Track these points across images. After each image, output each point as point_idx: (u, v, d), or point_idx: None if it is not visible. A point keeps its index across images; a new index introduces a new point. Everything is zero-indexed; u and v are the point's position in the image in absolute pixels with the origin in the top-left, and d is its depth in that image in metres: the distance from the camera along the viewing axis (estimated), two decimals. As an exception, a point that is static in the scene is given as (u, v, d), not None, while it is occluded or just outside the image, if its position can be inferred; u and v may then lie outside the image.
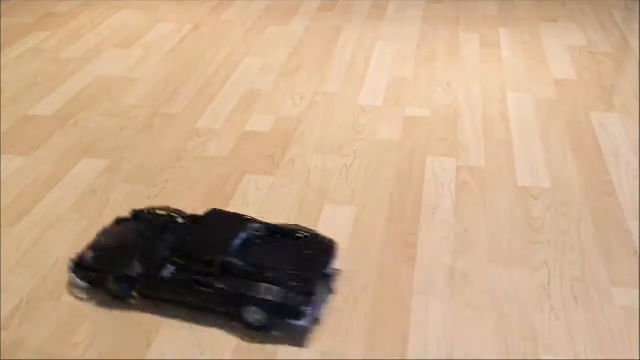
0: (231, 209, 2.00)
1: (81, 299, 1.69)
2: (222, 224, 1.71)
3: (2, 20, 3.41)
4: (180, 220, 1.80)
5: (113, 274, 1.64)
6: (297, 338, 1.57)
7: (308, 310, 1.54)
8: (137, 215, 1.84)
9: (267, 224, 1.74)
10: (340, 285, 1.72)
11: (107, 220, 1.97)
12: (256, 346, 1.56)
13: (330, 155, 2.25)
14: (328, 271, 1.67)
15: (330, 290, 1.68)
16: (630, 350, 1.53)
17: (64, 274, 1.77)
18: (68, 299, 1.70)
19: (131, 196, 2.07)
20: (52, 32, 3.25)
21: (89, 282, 1.69)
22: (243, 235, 1.67)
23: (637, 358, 1.51)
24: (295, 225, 1.77)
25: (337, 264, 1.73)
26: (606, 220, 1.94)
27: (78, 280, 1.69)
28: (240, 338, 1.57)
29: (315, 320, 1.59)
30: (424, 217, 1.96)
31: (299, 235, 1.73)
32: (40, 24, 3.35)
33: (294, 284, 1.56)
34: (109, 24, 3.34)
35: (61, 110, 2.57)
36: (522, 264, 1.78)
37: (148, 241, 1.71)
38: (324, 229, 1.91)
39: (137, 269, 1.64)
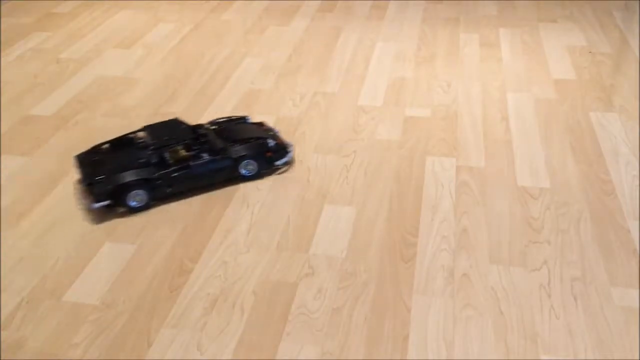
0: (231, 209, 2.01)
1: (123, 214, 1.97)
2: (174, 125, 2.14)
3: (2, 20, 3.41)
4: (131, 135, 2.16)
5: (133, 183, 1.94)
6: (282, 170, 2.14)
7: (287, 151, 2.16)
8: (93, 149, 2.13)
9: (212, 121, 2.28)
10: (341, 285, 1.72)
11: (107, 220, 1.97)
12: (256, 346, 1.56)
13: (330, 155, 2.25)
14: (273, 132, 2.26)
15: (287, 144, 2.20)
16: (630, 350, 1.53)
17: (64, 274, 1.77)
18: (68, 298, 1.70)
19: (131, 196, 2.07)
20: (52, 32, 3.26)
21: (109, 199, 1.95)
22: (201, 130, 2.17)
23: (637, 358, 1.52)
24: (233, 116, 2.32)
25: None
26: (606, 220, 1.94)
27: (98, 204, 1.93)
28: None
29: (285, 163, 2.18)
30: (424, 217, 1.96)
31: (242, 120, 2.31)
32: (40, 24, 3.35)
33: (267, 139, 2.13)
34: (109, 24, 3.34)
35: (61, 110, 2.57)
36: (522, 263, 1.78)
37: (128, 155, 2.05)
38: (324, 229, 1.92)
39: (150, 173, 1.98)
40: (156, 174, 1.99)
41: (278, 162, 2.16)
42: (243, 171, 2.10)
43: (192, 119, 2.48)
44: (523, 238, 1.87)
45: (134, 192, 1.96)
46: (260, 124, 2.30)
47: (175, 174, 2.01)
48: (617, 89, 2.65)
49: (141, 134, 2.15)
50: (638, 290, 1.69)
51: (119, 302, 1.69)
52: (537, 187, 2.08)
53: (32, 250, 1.87)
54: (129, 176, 1.96)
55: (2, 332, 1.61)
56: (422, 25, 3.27)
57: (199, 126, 2.20)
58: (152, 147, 2.02)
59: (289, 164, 2.20)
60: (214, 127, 2.23)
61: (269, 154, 2.13)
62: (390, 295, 1.69)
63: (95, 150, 2.12)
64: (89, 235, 1.92)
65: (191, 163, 2.03)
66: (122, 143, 2.14)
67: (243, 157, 2.08)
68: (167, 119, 2.46)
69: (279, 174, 2.15)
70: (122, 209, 1.99)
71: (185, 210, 2.01)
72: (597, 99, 2.58)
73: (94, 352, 1.55)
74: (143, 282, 1.75)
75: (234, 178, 2.10)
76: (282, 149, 2.16)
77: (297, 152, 2.28)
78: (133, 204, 1.98)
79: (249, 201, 2.04)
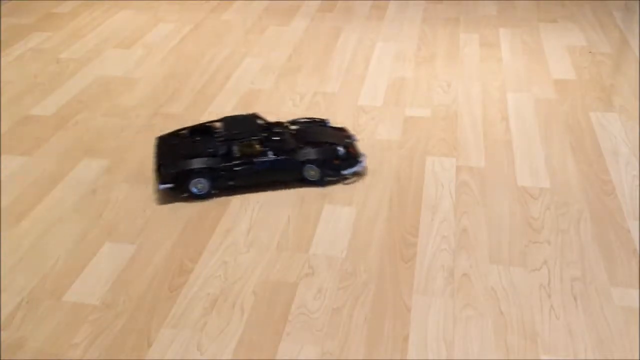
0: (231, 209, 2.01)
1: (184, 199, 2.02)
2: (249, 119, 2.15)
3: (2, 20, 3.41)
4: (210, 124, 2.18)
5: (196, 170, 1.99)
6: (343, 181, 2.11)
7: (358, 161, 2.11)
8: (173, 133, 2.19)
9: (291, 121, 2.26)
10: (341, 285, 1.72)
11: (107, 220, 1.97)
12: (256, 346, 1.56)
13: (330, 155, 2.25)
14: (351, 140, 2.19)
15: (360, 154, 2.14)
16: (630, 350, 1.53)
17: (64, 274, 1.78)
18: (68, 298, 1.70)
19: (131, 196, 2.07)
20: (52, 32, 3.26)
21: (173, 183, 2.01)
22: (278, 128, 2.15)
23: (637, 358, 1.52)
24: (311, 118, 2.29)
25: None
26: (606, 220, 1.94)
27: (163, 186, 2.01)
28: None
29: (354, 173, 2.12)
30: (424, 217, 1.96)
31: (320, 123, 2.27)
32: (40, 24, 3.35)
33: (337, 146, 2.10)
34: (109, 24, 3.34)
35: (61, 110, 2.57)
36: (522, 263, 1.78)
37: (202, 143, 2.08)
38: (324, 229, 1.92)
39: (213, 163, 2.01)
40: (220, 165, 2.01)
41: (345, 171, 2.10)
42: (307, 175, 2.08)
43: (192, 119, 2.48)
44: (523, 238, 1.87)
45: (197, 179, 2.00)
46: (340, 130, 2.24)
47: (238, 168, 2.02)
48: (617, 89, 2.65)
49: (219, 124, 2.15)
50: (638, 290, 1.69)
51: (119, 302, 1.69)
52: (537, 187, 2.08)
53: (32, 250, 1.87)
54: (194, 164, 2.01)
55: (2, 332, 1.61)
56: (422, 25, 3.27)
57: (277, 124, 2.19)
58: (221, 139, 2.04)
59: (358, 174, 2.14)
60: (293, 126, 2.21)
61: (336, 161, 2.08)
62: (390, 295, 1.69)
63: (175, 134, 2.18)
64: (89, 235, 1.92)
65: (255, 159, 2.03)
66: (201, 131, 2.17)
67: (308, 161, 2.06)
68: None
69: (345, 183, 2.10)
70: (185, 194, 2.02)
71: (185, 210, 2.01)
72: (597, 99, 2.58)
73: (94, 352, 1.55)
74: (143, 282, 1.75)
75: (299, 180, 2.08)
76: (352, 158, 2.11)
77: (297, 152, 2.28)
78: (195, 190, 2.02)
79: (249, 201, 2.04)
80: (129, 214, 2.00)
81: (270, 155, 2.05)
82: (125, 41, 3.15)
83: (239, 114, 2.19)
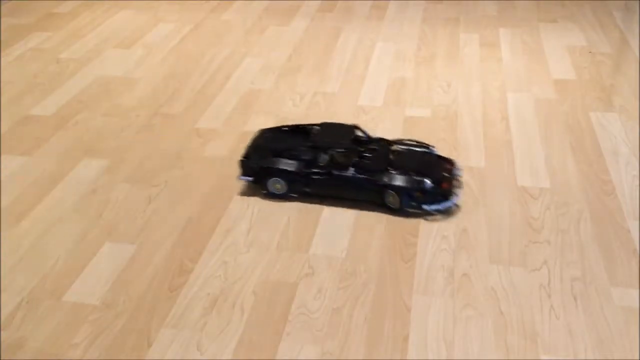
0: (231, 209, 2.01)
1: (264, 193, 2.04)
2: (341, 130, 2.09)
3: (2, 20, 3.41)
4: (313, 129, 2.13)
5: (274, 170, 1.99)
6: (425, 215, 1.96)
7: (446, 199, 1.95)
8: (275, 128, 2.18)
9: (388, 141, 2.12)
10: (341, 285, 1.72)
11: (107, 220, 1.97)
12: (256, 346, 1.56)
13: (330, 155, 2.25)
14: (451, 174, 2.01)
15: (453, 192, 1.98)
16: (630, 350, 1.53)
17: (64, 274, 1.78)
18: (68, 298, 1.70)
19: (131, 196, 2.08)
20: (52, 32, 3.26)
21: (253, 177, 2.03)
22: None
23: (637, 358, 1.52)
24: (414, 140, 2.13)
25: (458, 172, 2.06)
26: (606, 220, 1.94)
27: (243, 177, 2.04)
28: (387, 216, 1.92)
29: (444, 209, 1.95)
30: (423, 217, 1.96)
31: (419, 147, 2.11)
32: (40, 24, 3.35)
33: (424, 178, 1.94)
34: (109, 24, 3.34)
35: (61, 110, 2.57)
36: (522, 263, 1.78)
37: (293, 144, 2.06)
38: (324, 229, 1.92)
39: (292, 166, 1.99)
40: (298, 170, 1.99)
41: (427, 207, 1.94)
42: (387, 201, 1.96)
43: (192, 119, 2.48)
44: (523, 238, 1.87)
45: (275, 179, 2.00)
46: (445, 160, 2.05)
47: (316, 177, 1.98)
48: (617, 89, 2.65)
49: (317, 128, 2.11)
50: (638, 290, 1.69)
51: (119, 302, 1.69)
52: (537, 187, 2.08)
53: (32, 250, 1.87)
54: (275, 163, 2.00)
55: (2, 332, 1.61)
56: (422, 25, 3.27)
57: (379, 140, 2.10)
58: (307, 144, 2.02)
59: (441, 213, 1.96)
60: (396, 146, 2.09)
61: (419, 194, 1.93)
62: (390, 295, 1.69)
63: (276, 129, 2.17)
64: (89, 235, 1.92)
65: (334, 172, 1.97)
66: (300, 131, 2.14)
67: (388, 186, 1.94)
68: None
69: (426, 219, 1.94)
70: (264, 191, 2.04)
71: (185, 210, 2.01)
72: (597, 99, 2.58)
73: (94, 352, 1.55)
74: (143, 282, 1.75)
75: (378, 204, 1.98)
76: (439, 194, 1.94)
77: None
78: (272, 189, 2.02)
79: (249, 201, 2.04)
80: (129, 214, 2.00)
81: (351, 172, 1.97)
82: (125, 41, 3.15)
83: (340, 122, 2.13)
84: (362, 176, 1.96)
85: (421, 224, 1.93)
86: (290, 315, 1.64)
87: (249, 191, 2.08)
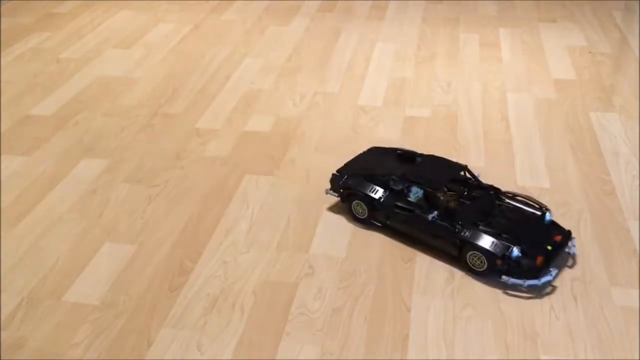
0: (231, 209, 2.01)
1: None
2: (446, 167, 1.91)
3: (2, 20, 3.41)
4: (418, 158, 1.99)
5: (358, 194, 1.89)
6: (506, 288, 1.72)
7: (534, 276, 1.66)
8: (387, 149, 2.09)
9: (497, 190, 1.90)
10: (341, 285, 1.72)
11: (107, 220, 1.97)
12: (256, 346, 1.56)
13: (330, 155, 2.25)
14: (557, 248, 1.73)
15: (548, 270, 1.69)
16: (630, 350, 1.53)
17: (64, 274, 1.77)
18: (68, 298, 1.70)
19: (131, 196, 2.08)
20: (52, 32, 3.26)
21: (340, 197, 1.97)
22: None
23: (637, 358, 1.52)
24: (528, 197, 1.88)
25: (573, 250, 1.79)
26: (606, 220, 1.94)
27: (328, 192, 1.99)
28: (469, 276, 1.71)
29: (527, 287, 1.68)
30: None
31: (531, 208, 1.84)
32: (40, 24, 3.35)
33: (514, 244, 1.67)
34: (109, 24, 3.34)
35: (61, 110, 2.57)
36: (522, 264, 1.78)
37: (391, 169, 1.93)
38: (324, 229, 1.91)
39: (376, 193, 1.88)
40: (379, 199, 1.86)
41: (508, 278, 1.67)
42: (468, 260, 1.72)
43: (192, 119, 2.48)
44: (523, 238, 1.87)
45: (357, 202, 1.90)
46: (558, 230, 1.78)
47: (397, 210, 1.84)
48: (617, 89, 2.65)
49: (419, 159, 1.98)
50: (638, 290, 1.69)
51: (119, 302, 1.69)
52: (537, 187, 2.08)
53: (32, 250, 1.87)
54: (361, 186, 1.89)
55: (2, 332, 1.61)
56: (422, 25, 3.27)
57: (486, 187, 1.89)
58: (398, 176, 1.87)
59: (525, 290, 1.69)
60: (505, 200, 1.86)
61: (499, 261, 1.67)
62: (390, 295, 1.69)
63: (384, 149, 2.08)
64: (89, 235, 1.92)
65: (416, 210, 1.80)
66: (407, 157, 2.00)
67: (465, 242, 1.71)
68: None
69: (506, 293, 1.68)
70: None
71: (185, 210, 2.01)
72: (597, 99, 2.58)
73: (94, 352, 1.55)
74: (143, 282, 1.75)
75: (455, 259, 1.76)
76: (526, 269, 1.66)
77: (297, 152, 2.28)
78: (354, 211, 1.93)
79: (249, 201, 2.04)
80: (129, 214, 2.00)
81: (432, 215, 1.78)
82: (125, 41, 3.15)
83: (448, 158, 1.95)
84: (443, 223, 1.76)
85: (421, 224, 1.93)
86: (290, 315, 1.64)
87: (249, 191, 2.08)
